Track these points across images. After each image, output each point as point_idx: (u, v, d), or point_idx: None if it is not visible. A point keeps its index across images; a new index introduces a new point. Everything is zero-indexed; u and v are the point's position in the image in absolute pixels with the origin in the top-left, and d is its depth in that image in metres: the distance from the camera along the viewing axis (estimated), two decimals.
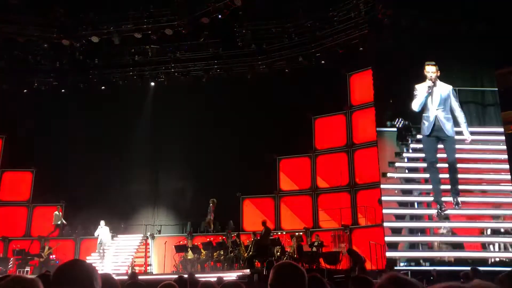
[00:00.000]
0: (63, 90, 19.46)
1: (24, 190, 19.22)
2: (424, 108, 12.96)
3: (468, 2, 14.36)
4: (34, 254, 16.51)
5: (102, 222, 16.93)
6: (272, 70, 18.58)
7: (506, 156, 13.69)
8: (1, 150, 19.48)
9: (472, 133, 13.28)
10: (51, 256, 16.51)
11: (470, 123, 13.45)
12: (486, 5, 13.87)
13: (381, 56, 15.56)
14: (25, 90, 19.23)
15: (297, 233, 15.69)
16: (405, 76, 14.18)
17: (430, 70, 12.90)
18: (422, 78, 13.30)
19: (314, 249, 14.83)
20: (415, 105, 12.98)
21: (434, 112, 12.77)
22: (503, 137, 13.92)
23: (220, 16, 16.58)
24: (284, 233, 16.62)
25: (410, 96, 13.26)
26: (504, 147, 13.82)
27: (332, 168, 17.66)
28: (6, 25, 17.01)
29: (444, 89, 12.94)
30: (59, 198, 18.65)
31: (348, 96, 17.76)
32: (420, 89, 12.96)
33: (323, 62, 17.70)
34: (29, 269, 15.78)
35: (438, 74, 12.92)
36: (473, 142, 13.44)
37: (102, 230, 16.92)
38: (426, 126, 12.85)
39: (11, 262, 15.65)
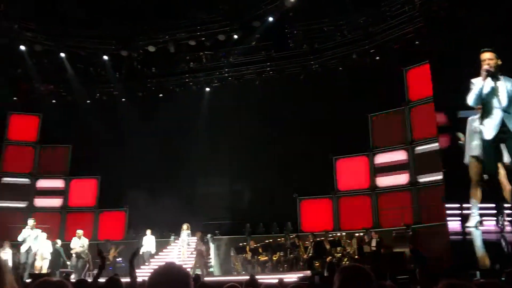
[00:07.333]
0: (123, 99, 20.24)
1: (90, 196, 20.22)
2: (486, 106, 10.89)
3: None
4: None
5: (148, 231, 17.19)
6: (325, 69, 18.42)
7: None
8: (68, 158, 20.56)
9: None
10: (117, 259, 17.18)
11: None
12: None
13: (438, 50, 15.01)
14: (88, 101, 20.16)
15: (356, 234, 15.45)
16: (464, 70, 13.55)
17: (487, 57, 10.91)
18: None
19: (375, 249, 14.54)
20: (470, 99, 11.07)
21: (499, 112, 10.50)
22: None
23: (271, 18, 16.66)
24: (344, 233, 16.40)
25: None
26: None
27: (392, 165, 17.24)
28: (68, 39, 17.92)
29: (510, 84, 10.70)
30: (123, 203, 19.45)
31: (406, 92, 17.27)
32: (477, 83, 11.07)
33: (377, 58, 17.34)
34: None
35: (499, 63, 10.78)
36: None
37: (147, 239, 16.99)
38: (488, 127, 10.66)
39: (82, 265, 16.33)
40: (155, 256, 17.27)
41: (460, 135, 12.24)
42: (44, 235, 15.31)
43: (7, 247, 15.06)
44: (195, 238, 16.75)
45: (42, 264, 14.87)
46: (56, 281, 2.26)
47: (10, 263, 14.44)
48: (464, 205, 12.46)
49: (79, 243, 15.63)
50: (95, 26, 17.84)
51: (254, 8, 16.65)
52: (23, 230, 14.91)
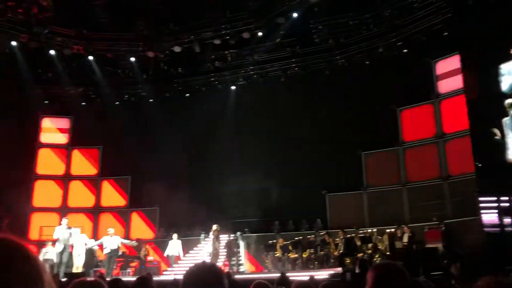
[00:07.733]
0: (151, 100, 20.49)
1: (121, 196, 20.56)
2: None
3: None
4: (133, 256, 17.53)
5: (175, 236, 17.04)
6: (351, 64, 18.21)
7: None
8: (99, 160, 20.95)
9: None
10: (147, 258, 17.41)
11: None
12: None
13: (468, 40, 14.64)
14: (116, 102, 20.48)
15: (388, 230, 15.23)
16: (495, 59, 13.17)
17: None
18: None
19: (407, 245, 14.30)
20: (505, 85, 11.48)
21: None
22: None
23: (295, 14, 16.56)
24: (375, 230, 16.19)
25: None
26: None
27: (422, 160, 16.92)
28: (97, 42, 18.23)
29: None
30: (153, 203, 19.69)
31: (435, 84, 16.92)
32: (508, 68, 11.47)
33: (405, 51, 17.02)
34: (130, 271, 16.79)
35: None
36: None
37: (173, 243, 16.88)
38: None
39: (115, 264, 16.63)
40: (186, 255, 17.42)
41: (496, 130, 12.01)
42: (78, 230, 15.58)
43: (49, 246, 15.34)
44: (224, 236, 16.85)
45: (78, 263, 15.13)
46: (93, 281, 2.28)
47: (55, 261, 14.76)
48: (502, 198, 12.17)
49: (112, 241, 15.76)
50: (121, 28, 18.10)
51: (278, 4, 16.57)
52: (57, 227, 15.13)
